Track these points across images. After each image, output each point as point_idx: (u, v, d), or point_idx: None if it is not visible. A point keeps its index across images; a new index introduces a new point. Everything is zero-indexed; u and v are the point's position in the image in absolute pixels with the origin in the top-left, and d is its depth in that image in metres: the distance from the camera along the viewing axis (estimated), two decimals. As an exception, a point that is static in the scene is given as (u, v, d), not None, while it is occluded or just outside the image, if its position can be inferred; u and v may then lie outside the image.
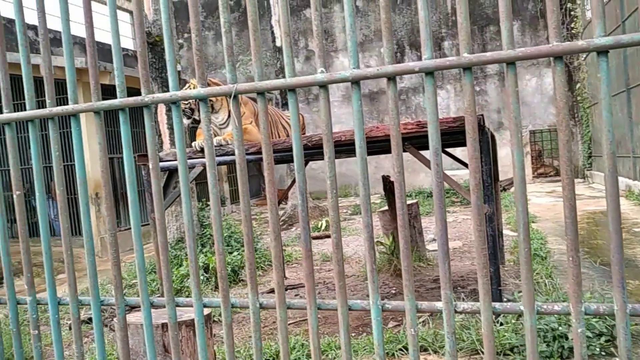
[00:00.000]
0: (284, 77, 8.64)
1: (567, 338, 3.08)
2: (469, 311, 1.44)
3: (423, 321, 4.02)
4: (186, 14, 17.39)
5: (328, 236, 8.73)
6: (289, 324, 4.67)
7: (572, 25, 14.14)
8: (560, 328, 3.13)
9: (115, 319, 3.63)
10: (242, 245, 7.59)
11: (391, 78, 1.33)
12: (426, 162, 3.57)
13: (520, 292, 4.48)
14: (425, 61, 1.29)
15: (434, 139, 1.32)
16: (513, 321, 3.44)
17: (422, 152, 3.99)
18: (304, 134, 5.64)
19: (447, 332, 1.43)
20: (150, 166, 1.49)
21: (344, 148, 4.09)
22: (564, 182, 1.27)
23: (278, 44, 10.95)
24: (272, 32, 11.41)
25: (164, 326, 2.94)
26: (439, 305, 1.42)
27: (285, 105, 10.45)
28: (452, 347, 1.43)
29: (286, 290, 5.67)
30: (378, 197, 11.71)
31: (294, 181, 7.25)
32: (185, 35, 17.53)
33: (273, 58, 11.60)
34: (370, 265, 1.41)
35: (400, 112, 15.47)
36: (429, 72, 1.30)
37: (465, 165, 5.52)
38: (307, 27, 16.95)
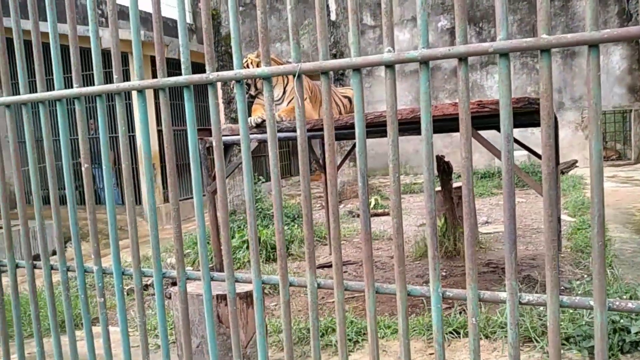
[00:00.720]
0: (337, 51, 8.48)
1: (629, 332, 2.95)
2: (534, 303, 1.39)
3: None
4: (241, -12, 17.39)
5: (376, 214, 8.69)
6: (333, 301, 4.70)
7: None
8: (622, 321, 3.01)
9: (170, 288, 3.76)
10: (292, 220, 7.69)
11: (462, 59, 1.27)
12: (485, 144, 3.46)
13: (578, 280, 4.32)
14: (501, 42, 1.23)
15: (505, 124, 1.26)
16: (570, 311, 3.33)
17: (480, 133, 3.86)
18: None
19: (509, 324, 1.38)
20: (214, 144, 1.50)
21: (399, 127, 4.01)
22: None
23: (332, 17, 10.80)
24: (327, 6, 11.26)
25: (218, 297, 3.02)
26: (503, 295, 1.38)
27: (337, 80, 10.36)
28: (515, 338, 1.39)
29: (331, 266, 5.70)
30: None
31: (344, 159, 7.23)
32: (240, 8, 17.56)
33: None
34: (432, 252, 1.38)
35: (456, 90, 15.06)
36: (504, 54, 1.24)
37: (523, 146, 5.33)
38: (361, 1, 16.63)
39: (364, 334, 3.64)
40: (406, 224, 7.98)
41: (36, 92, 1.80)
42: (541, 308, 3.58)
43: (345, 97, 5.43)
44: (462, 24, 1.28)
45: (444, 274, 5.13)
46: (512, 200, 1.29)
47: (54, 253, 2.22)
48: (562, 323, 3.21)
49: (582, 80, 14.61)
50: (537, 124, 3.87)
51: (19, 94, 1.81)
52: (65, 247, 4.83)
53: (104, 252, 2.74)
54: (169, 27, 14.98)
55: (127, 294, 4.62)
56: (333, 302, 4.56)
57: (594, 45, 1.20)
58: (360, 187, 1.46)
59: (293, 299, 4.65)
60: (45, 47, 1.77)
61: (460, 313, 3.76)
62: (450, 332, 3.48)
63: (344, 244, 6.79)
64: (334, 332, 3.70)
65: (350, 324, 3.69)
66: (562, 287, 3.97)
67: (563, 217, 6.97)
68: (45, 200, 2.52)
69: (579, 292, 3.80)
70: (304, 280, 1.56)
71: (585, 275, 4.64)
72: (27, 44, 1.72)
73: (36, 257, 2.05)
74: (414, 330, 3.58)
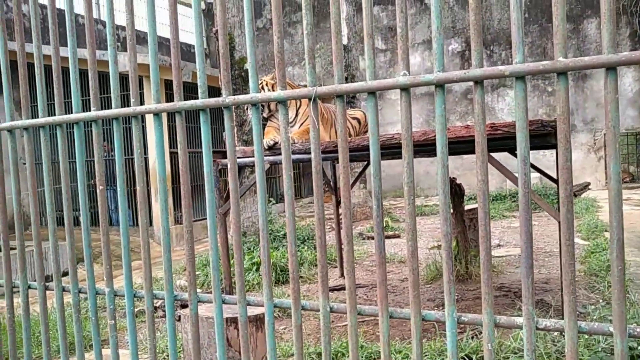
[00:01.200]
0: (349, 74, 8.57)
1: (647, 359, 2.88)
2: (552, 329, 1.36)
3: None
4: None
5: (387, 237, 8.64)
6: (343, 325, 4.65)
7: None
8: (639, 347, 2.94)
9: (179, 310, 3.74)
10: (302, 242, 7.66)
11: (479, 82, 1.27)
12: (498, 166, 3.44)
13: (593, 304, 4.25)
14: (517, 65, 1.23)
15: (522, 146, 1.26)
16: (586, 336, 3.26)
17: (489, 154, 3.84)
18: (365, 132, 5.61)
19: (526, 350, 1.36)
20: (229, 166, 1.50)
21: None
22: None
23: (344, 41, 10.91)
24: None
25: (227, 320, 3.00)
26: (519, 320, 1.35)
27: (348, 103, 10.42)
28: (532, 366, 1.35)
29: (341, 289, 5.65)
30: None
31: (354, 181, 7.22)
32: (251, 32, 17.80)
33: (337, 56, 11.56)
34: (448, 275, 1.36)
35: (466, 113, 15.07)
36: (520, 77, 1.24)
37: (535, 168, 5.29)
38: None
39: (375, 359, 3.58)
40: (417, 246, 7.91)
41: (54, 115, 1.82)
42: (555, 333, 3.52)
43: (354, 118, 5.46)
44: (478, 47, 1.28)
45: (456, 297, 5.06)
46: (528, 224, 1.27)
47: (65, 274, 2.21)
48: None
49: (593, 103, 14.58)
50: (550, 147, 3.85)
51: (38, 116, 1.84)
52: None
53: (113, 273, 2.74)
54: (182, 51, 15.21)
55: (136, 316, 4.60)
56: (343, 326, 4.51)
57: (611, 68, 1.20)
58: (375, 210, 1.45)
59: (302, 322, 4.60)
60: (63, 72, 1.80)
61: (472, 338, 3.69)
62: (462, 357, 3.41)
63: (355, 267, 6.73)
64: (344, 356, 3.65)
65: (360, 349, 3.64)
66: (577, 312, 3.90)
67: (576, 240, 6.89)
68: (58, 222, 2.53)
69: (595, 317, 3.73)
70: (317, 304, 1.55)
71: (601, 300, 4.56)
72: (47, 69, 1.75)
73: (47, 278, 2.05)
74: (426, 356, 3.52)
